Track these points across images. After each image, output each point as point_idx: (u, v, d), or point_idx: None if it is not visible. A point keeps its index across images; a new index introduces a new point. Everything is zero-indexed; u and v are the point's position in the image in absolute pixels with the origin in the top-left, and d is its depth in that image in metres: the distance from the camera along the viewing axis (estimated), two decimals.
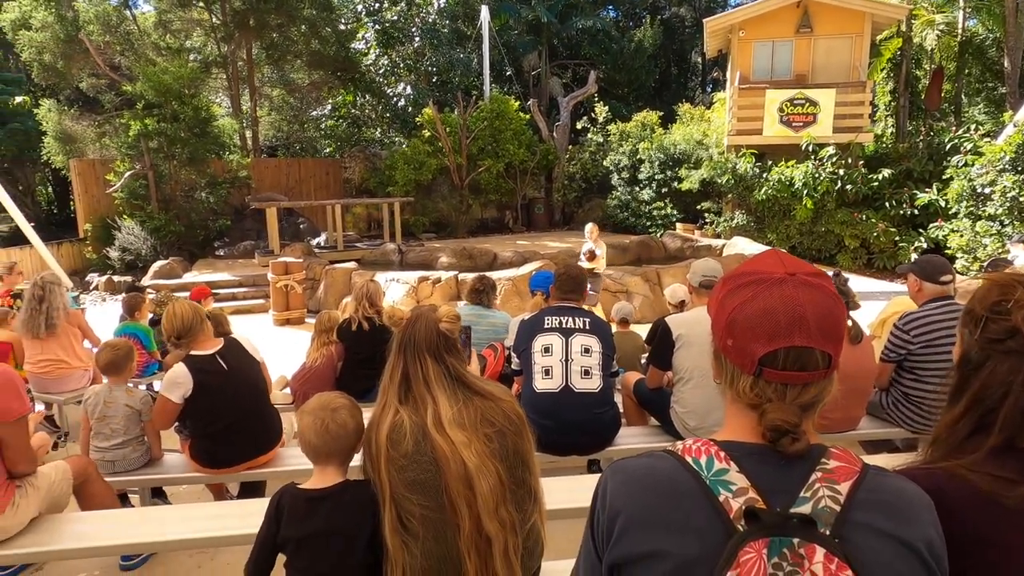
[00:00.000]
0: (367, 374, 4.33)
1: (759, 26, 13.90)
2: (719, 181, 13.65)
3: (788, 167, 12.56)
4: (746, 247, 11.47)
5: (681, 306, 4.27)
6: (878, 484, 0.91)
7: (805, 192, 12.20)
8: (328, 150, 21.76)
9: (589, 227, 9.16)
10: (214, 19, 17.76)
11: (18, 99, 18.80)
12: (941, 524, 0.92)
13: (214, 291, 9.19)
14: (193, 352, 3.02)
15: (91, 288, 13.06)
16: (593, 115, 19.15)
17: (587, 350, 3.13)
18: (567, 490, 2.74)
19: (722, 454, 0.93)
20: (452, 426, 1.61)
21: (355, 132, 21.33)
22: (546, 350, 3.13)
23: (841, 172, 12.11)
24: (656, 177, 16.53)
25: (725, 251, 11.95)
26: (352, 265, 10.95)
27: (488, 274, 7.31)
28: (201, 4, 17.59)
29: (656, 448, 3.33)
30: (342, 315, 4.72)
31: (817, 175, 12.17)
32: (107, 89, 18.01)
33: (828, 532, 0.84)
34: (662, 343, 3.22)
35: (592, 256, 8.44)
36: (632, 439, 3.43)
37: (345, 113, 21.49)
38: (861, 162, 12.69)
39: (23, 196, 21.84)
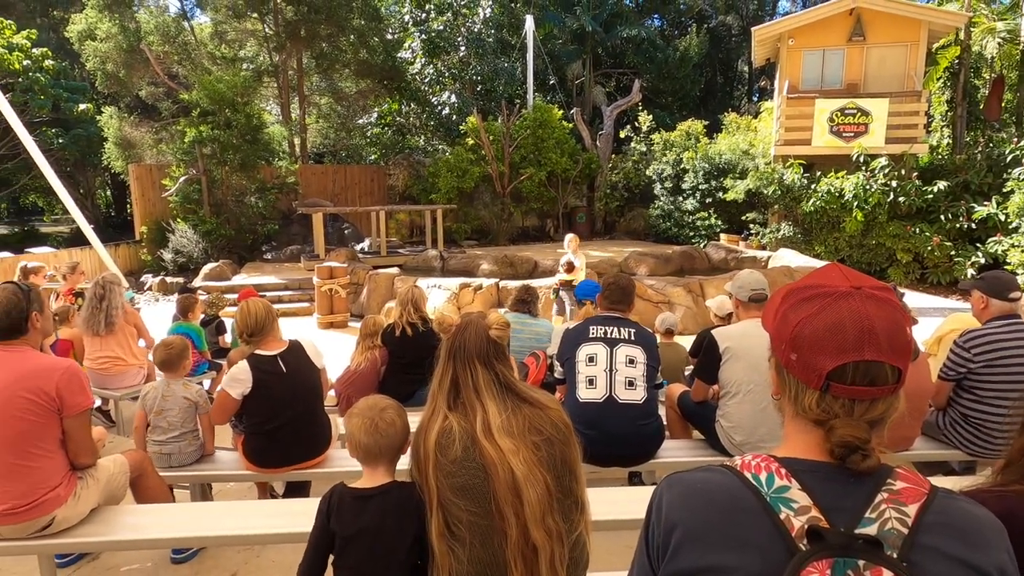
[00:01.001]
0: (410, 379, 4.39)
1: (809, 34, 13.65)
2: (765, 192, 13.42)
3: (838, 178, 12.27)
4: (792, 259, 11.23)
5: (729, 319, 4.19)
6: (947, 507, 0.88)
7: (855, 204, 11.90)
8: (373, 157, 22.16)
9: (569, 238, 8.97)
10: (267, 29, 18.30)
11: (82, 106, 19.67)
12: (1014, 549, 0.89)
13: (261, 294, 9.41)
14: (257, 351, 3.11)
15: (145, 288, 13.53)
16: (637, 124, 19.06)
17: (631, 361, 3.10)
18: (608, 502, 2.72)
19: (783, 471, 0.92)
20: (501, 434, 1.61)
21: (400, 140, 21.68)
22: (590, 360, 3.12)
23: (894, 184, 11.77)
24: (700, 187, 16.34)
25: (771, 263, 11.71)
26: (395, 271, 11.09)
27: (529, 282, 7.34)
28: (255, 15, 18.15)
29: (701, 462, 3.26)
30: (386, 320, 4.78)
31: (868, 186, 11.85)
32: (165, 97, 18.75)
33: (895, 555, 0.82)
34: (708, 356, 3.17)
35: (571, 268, 8.26)
36: (676, 452, 3.39)
37: (390, 121, 21.87)
38: (915, 174, 12.31)
39: (84, 199, 22.82)
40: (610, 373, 3.09)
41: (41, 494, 2.43)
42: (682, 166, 17.02)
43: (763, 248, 13.59)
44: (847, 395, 0.90)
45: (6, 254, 14.43)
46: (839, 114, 12.92)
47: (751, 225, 14.67)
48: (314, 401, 3.29)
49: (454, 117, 20.43)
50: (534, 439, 1.64)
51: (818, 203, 12.37)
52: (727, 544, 0.88)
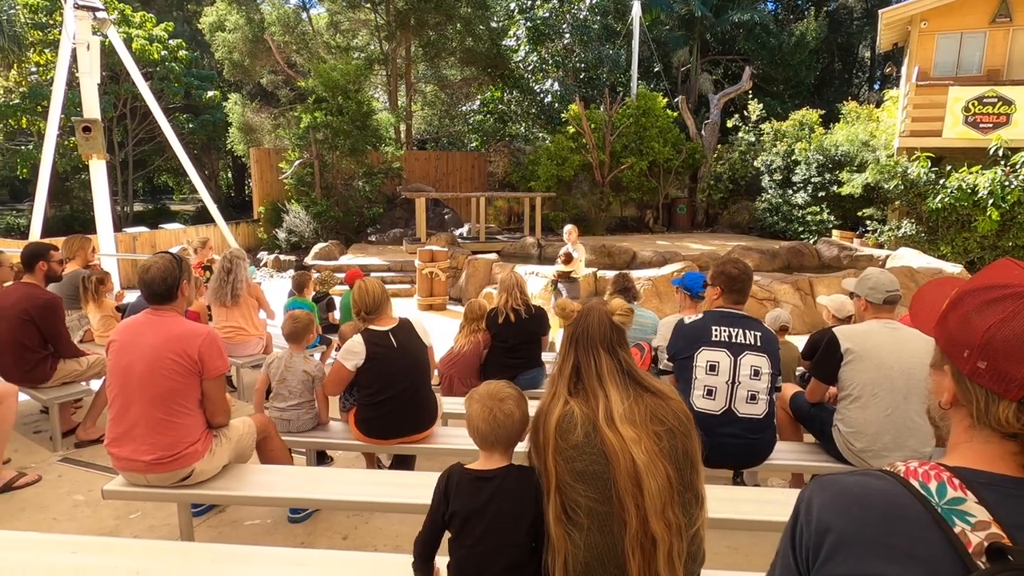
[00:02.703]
0: (512, 362, 4.45)
1: (945, 16, 12.57)
2: (886, 186, 12.52)
3: (971, 173, 11.27)
4: (914, 259, 10.43)
5: (848, 321, 3.95)
6: None
7: (991, 201, 10.90)
8: (474, 144, 22.49)
9: (567, 228, 8.66)
10: (378, 19, 18.91)
11: (210, 94, 21.13)
12: None
13: (366, 274, 9.83)
14: (370, 327, 3.25)
15: (261, 265, 14.43)
16: (745, 113, 18.28)
17: (756, 373, 2.87)
18: (714, 499, 2.66)
19: (956, 481, 0.85)
20: (623, 422, 1.60)
21: (501, 127, 21.88)
22: (711, 368, 2.89)
23: None
24: (813, 180, 15.47)
25: (888, 263, 10.94)
26: (493, 256, 11.25)
27: (627, 272, 7.23)
28: (368, 5, 18.79)
29: (812, 468, 3.09)
30: (489, 305, 4.86)
31: (1007, 183, 10.82)
32: (283, 85, 19.83)
33: None
34: (828, 356, 3.00)
35: (568, 259, 7.97)
36: (786, 455, 3.25)
37: (492, 108, 22.10)
38: None
39: (208, 180, 24.56)
40: (732, 386, 2.87)
41: (183, 448, 2.66)
42: (793, 157, 16.17)
43: (880, 246, 12.72)
44: None
45: (142, 229, 15.82)
46: (976, 103, 11.86)
47: (868, 222, 13.75)
48: (422, 377, 3.40)
49: (556, 105, 20.38)
50: (656, 429, 1.61)
51: (947, 200, 11.42)
52: (888, 554, 0.83)
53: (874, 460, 2.88)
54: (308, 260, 13.14)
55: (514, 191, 18.33)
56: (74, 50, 9.15)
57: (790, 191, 16.21)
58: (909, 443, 2.86)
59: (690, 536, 1.60)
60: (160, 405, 2.62)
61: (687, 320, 3.05)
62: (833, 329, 3.08)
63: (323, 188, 15.82)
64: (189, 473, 2.72)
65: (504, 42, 21.00)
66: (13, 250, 5.62)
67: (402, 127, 19.91)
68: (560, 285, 8.06)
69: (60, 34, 10.40)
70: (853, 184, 13.63)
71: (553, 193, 17.03)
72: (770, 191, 16.81)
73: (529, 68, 21.30)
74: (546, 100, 20.94)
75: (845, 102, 17.73)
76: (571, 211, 17.93)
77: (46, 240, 6.98)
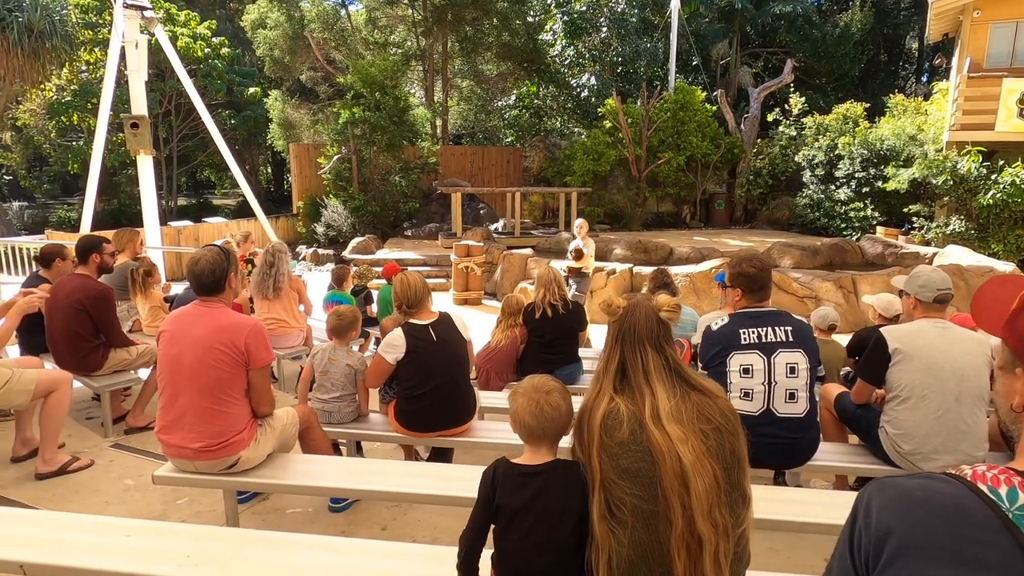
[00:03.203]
0: (548, 357, 4.45)
1: (1000, 4, 12.12)
2: (934, 182, 12.14)
3: None
4: (963, 257, 10.09)
5: (895, 320, 3.84)
6: None
7: None
8: (509, 139, 22.47)
9: (578, 223, 8.66)
10: (415, 15, 19.01)
11: (251, 90, 21.53)
12: None
13: (403, 268, 9.92)
14: (411, 320, 3.29)
15: (300, 259, 14.68)
16: (787, 107, 17.89)
17: (793, 369, 2.80)
18: (755, 499, 2.62)
19: None
20: (670, 420, 1.58)
21: (536, 122, 21.82)
22: (745, 371, 2.81)
23: None
24: (856, 175, 15.08)
25: (936, 261, 10.61)
26: (528, 252, 11.24)
27: (665, 268, 7.14)
28: (405, 1, 18.91)
29: (856, 469, 3.01)
30: (526, 300, 4.86)
31: None
32: (322, 81, 20.08)
33: None
34: (875, 356, 2.92)
35: (580, 255, 7.94)
36: (830, 456, 3.18)
37: (528, 103, 22.05)
38: None
39: (248, 175, 25.05)
40: (768, 386, 2.80)
41: (230, 436, 2.73)
42: (836, 152, 15.78)
43: (927, 244, 12.34)
44: None
45: (186, 222, 16.23)
46: None
47: (914, 218, 13.35)
48: (461, 371, 3.42)
49: (592, 99, 20.23)
50: (703, 427, 1.59)
51: (999, 196, 11.02)
52: (954, 559, 0.81)
53: (923, 463, 2.81)
54: (346, 254, 13.32)
55: (549, 186, 18.28)
56: (123, 48, 9.42)
57: (832, 186, 15.84)
58: (961, 446, 2.78)
59: (736, 537, 1.58)
60: (208, 394, 2.69)
61: (714, 327, 2.95)
62: (880, 329, 3.00)
63: (360, 183, 15.99)
64: (235, 461, 2.78)
65: (540, 37, 20.91)
66: (68, 242, 5.81)
67: (438, 122, 20.01)
68: (571, 280, 8.05)
69: (110, 33, 10.71)
70: (899, 179, 13.25)
71: (589, 188, 16.94)
72: (811, 186, 16.45)
73: (565, 62, 21.19)
74: (582, 95, 20.82)
75: (891, 95, 17.25)
76: (607, 206, 17.81)
77: (97, 233, 7.20)
